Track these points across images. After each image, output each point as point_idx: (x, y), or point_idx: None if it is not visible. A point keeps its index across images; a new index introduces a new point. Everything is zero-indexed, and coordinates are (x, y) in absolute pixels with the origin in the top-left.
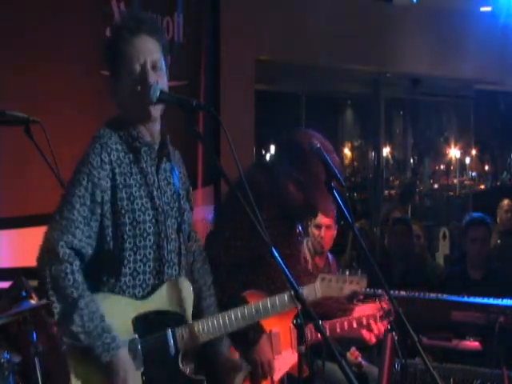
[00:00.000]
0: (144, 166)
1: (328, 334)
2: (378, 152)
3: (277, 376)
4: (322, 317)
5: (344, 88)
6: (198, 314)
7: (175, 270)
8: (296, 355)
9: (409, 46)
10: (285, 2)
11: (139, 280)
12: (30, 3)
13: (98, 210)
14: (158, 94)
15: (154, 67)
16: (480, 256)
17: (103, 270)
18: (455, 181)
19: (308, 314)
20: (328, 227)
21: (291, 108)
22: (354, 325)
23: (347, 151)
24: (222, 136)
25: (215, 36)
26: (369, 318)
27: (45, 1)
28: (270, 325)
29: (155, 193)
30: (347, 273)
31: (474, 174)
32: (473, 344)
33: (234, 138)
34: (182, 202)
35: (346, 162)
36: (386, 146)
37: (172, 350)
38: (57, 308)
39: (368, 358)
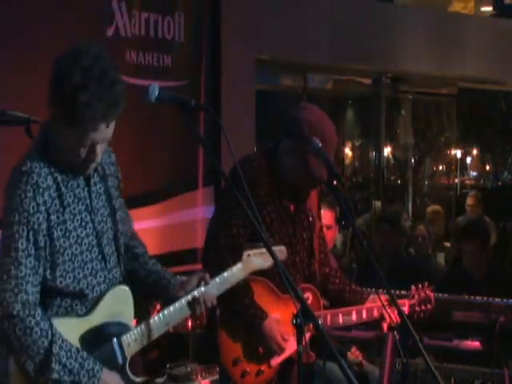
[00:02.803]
0: (76, 192)
1: (341, 321)
2: (379, 152)
3: (276, 361)
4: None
5: (345, 87)
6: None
7: (116, 282)
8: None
9: (409, 45)
10: (285, 2)
11: (81, 301)
12: (29, 3)
13: (43, 254)
14: (156, 93)
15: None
16: (474, 267)
17: (45, 297)
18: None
19: (307, 313)
20: (329, 227)
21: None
22: (364, 315)
23: (348, 151)
24: (222, 136)
25: (215, 36)
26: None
27: (45, 1)
28: (272, 312)
29: (89, 217)
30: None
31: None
32: (473, 344)
33: (235, 139)
34: (116, 212)
35: (347, 161)
36: (386, 146)
37: (119, 358)
38: (31, 365)
39: (369, 358)
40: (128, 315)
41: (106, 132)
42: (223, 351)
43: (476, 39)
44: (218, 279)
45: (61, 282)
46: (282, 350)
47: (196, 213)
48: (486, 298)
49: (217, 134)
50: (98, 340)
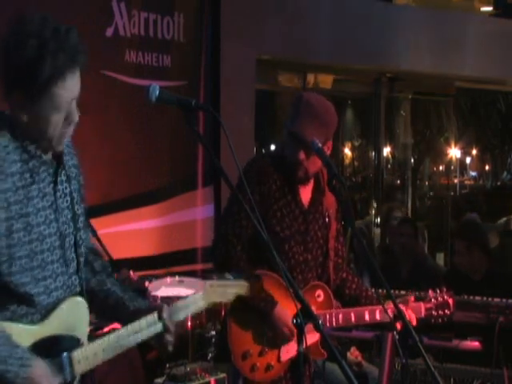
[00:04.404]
0: (41, 186)
1: (354, 319)
2: (379, 152)
3: (286, 356)
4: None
5: (344, 87)
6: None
7: (74, 289)
8: (315, 335)
9: (409, 45)
10: (285, 2)
11: (37, 306)
12: (30, 3)
13: None
14: (157, 93)
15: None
16: (463, 267)
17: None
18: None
19: (308, 313)
20: None
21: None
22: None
23: (347, 151)
24: (222, 136)
25: (215, 36)
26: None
27: (44, 1)
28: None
29: (53, 216)
30: (230, 277)
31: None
32: (473, 344)
33: (234, 138)
34: (78, 218)
35: (347, 161)
36: (386, 146)
37: (68, 375)
38: None
39: (368, 358)
40: (82, 330)
41: (75, 88)
42: (233, 345)
43: (476, 39)
44: (176, 306)
45: (17, 278)
46: (293, 335)
47: (196, 213)
48: (485, 298)
49: (217, 134)
50: (48, 352)
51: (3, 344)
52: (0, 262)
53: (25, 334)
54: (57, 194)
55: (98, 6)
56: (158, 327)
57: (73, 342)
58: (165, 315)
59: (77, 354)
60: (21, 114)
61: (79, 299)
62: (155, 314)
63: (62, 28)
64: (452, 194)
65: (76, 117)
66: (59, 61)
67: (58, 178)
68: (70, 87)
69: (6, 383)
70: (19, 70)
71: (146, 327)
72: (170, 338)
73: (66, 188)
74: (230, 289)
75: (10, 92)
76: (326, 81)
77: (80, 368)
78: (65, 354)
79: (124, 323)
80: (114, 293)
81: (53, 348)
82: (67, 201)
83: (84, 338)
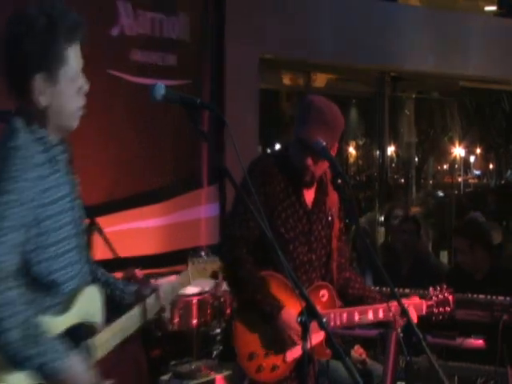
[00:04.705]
0: (60, 175)
1: (357, 319)
2: (383, 151)
3: (291, 356)
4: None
5: (347, 87)
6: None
7: (86, 278)
8: (320, 335)
9: (413, 44)
10: (288, 2)
11: (61, 296)
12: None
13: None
14: (162, 92)
15: None
16: (467, 265)
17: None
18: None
19: (312, 311)
20: None
21: (296, 107)
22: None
23: (352, 150)
24: (226, 135)
25: (220, 35)
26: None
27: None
28: (287, 307)
29: (69, 204)
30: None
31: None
32: (477, 342)
33: (239, 137)
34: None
35: (351, 160)
36: (390, 145)
37: (88, 361)
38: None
39: (373, 355)
40: (99, 318)
41: (80, 57)
42: (239, 346)
43: (480, 38)
44: (168, 285)
45: (46, 267)
46: (298, 337)
47: (200, 211)
48: (489, 297)
49: (221, 133)
50: (72, 341)
51: (44, 337)
52: (29, 251)
53: (52, 325)
54: (71, 184)
55: (103, 5)
56: (157, 306)
57: (91, 330)
58: (162, 295)
59: (95, 340)
60: (40, 99)
61: (95, 288)
62: (153, 295)
63: (58, 4)
64: (456, 192)
65: (86, 85)
66: (69, 34)
67: (70, 168)
68: (79, 56)
69: (41, 372)
70: (36, 53)
71: (147, 308)
72: (168, 315)
73: (74, 179)
74: (207, 266)
75: (29, 80)
76: (320, 80)
77: (99, 354)
78: (88, 341)
79: (123, 308)
80: (107, 281)
81: (75, 337)
82: (76, 191)
83: (100, 325)
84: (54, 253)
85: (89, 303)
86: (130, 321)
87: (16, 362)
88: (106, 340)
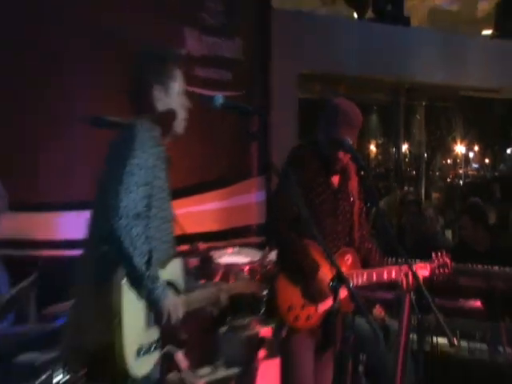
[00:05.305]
0: (161, 167)
1: (375, 278)
2: (398, 149)
3: (322, 308)
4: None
5: (370, 95)
6: None
7: (174, 251)
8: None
9: (423, 61)
10: (322, 27)
11: (162, 253)
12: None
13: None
14: (221, 101)
15: None
16: (469, 241)
17: None
18: (461, 171)
19: (341, 277)
20: None
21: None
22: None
23: (372, 147)
24: (271, 135)
25: (266, 55)
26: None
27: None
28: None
29: (166, 185)
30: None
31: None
32: (476, 303)
33: (282, 137)
34: None
35: (372, 156)
36: (404, 143)
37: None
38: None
39: (390, 314)
40: (181, 283)
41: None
42: (280, 301)
43: (478, 56)
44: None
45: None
46: (329, 295)
47: (251, 197)
48: (487, 267)
49: (267, 134)
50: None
51: (157, 270)
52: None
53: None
54: (167, 175)
55: (174, 32)
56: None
57: (176, 288)
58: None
59: (182, 298)
60: (157, 105)
61: (179, 260)
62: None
63: (169, 49)
64: (458, 182)
65: (188, 103)
66: (175, 61)
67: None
68: (181, 79)
69: (149, 297)
70: (159, 72)
71: (209, 295)
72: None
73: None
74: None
75: (150, 90)
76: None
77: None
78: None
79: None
80: None
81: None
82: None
83: (181, 288)
84: (158, 213)
85: (175, 269)
86: (195, 300)
87: (135, 282)
88: (188, 301)
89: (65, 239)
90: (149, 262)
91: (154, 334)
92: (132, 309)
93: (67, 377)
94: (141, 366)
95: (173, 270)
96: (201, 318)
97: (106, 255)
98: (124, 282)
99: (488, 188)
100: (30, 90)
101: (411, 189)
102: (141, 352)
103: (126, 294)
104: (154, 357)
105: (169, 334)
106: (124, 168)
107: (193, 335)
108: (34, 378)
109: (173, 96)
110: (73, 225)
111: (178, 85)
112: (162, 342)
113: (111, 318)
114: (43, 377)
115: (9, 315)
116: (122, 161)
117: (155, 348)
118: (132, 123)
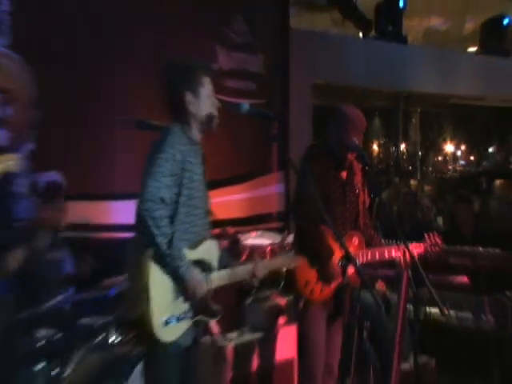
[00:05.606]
0: (196, 161)
1: (378, 257)
2: (398, 148)
3: (334, 284)
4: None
5: (373, 103)
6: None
7: (208, 235)
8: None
9: (419, 74)
10: (334, 45)
11: (192, 235)
12: (156, 50)
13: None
14: (247, 108)
15: None
16: (458, 223)
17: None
18: (450, 167)
19: (349, 257)
20: None
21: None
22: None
23: (375, 147)
24: (289, 137)
25: (285, 68)
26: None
27: (163, 46)
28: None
29: (200, 177)
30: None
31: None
32: (463, 279)
33: (298, 138)
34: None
35: (374, 154)
36: (402, 143)
37: (209, 285)
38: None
39: (390, 289)
40: (215, 261)
41: (210, 85)
42: (298, 276)
43: (465, 69)
44: (265, 264)
45: (181, 209)
46: (339, 275)
47: (271, 189)
48: (473, 248)
49: (285, 136)
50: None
51: (180, 250)
52: (175, 193)
53: (186, 254)
54: (203, 169)
55: (207, 49)
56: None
57: (209, 268)
58: (258, 270)
59: (211, 275)
60: (189, 108)
61: (214, 241)
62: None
63: (195, 59)
64: (448, 177)
65: (216, 101)
66: (203, 70)
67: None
68: (210, 83)
69: (175, 274)
70: (188, 80)
71: (244, 272)
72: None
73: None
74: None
75: (183, 95)
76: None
77: (213, 284)
78: (205, 274)
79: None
80: None
81: (198, 266)
82: (204, 176)
83: (215, 266)
84: (187, 201)
85: (209, 249)
86: (234, 274)
87: (160, 260)
88: (217, 279)
89: (116, 223)
90: (170, 243)
91: (183, 305)
92: (159, 285)
93: (119, 338)
94: (169, 333)
95: (206, 250)
96: (231, 291)
97: (139, 237)
98: (151, 261)
99: (473, 181)
100: (92, 101)
101: (413, 181)
102: (169, 322)
103: (153, 273)
104: (182, 326)
105: (201, 306)
106: (153, 161)
107: (224, 305)
108: (92, 338)
109: (203, 99)
110: (123, 212)
111: (206, 89)
112: (193, 312)
113: (141, 293)
114: (100, 337)
115: (71, 287)
116: (153, 156)
117: (184, 318)
118: (168, 126)
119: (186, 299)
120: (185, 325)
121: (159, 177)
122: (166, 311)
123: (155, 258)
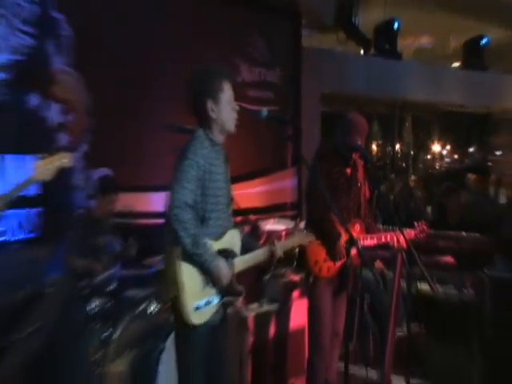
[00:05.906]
0: (219, 162)
1: (376, 241)
2: (393, 148)
3: (339, 262)
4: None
5: (373, 109)
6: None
7: (231, 224)
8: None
9: (412, 85)
10: (339, 59)
11: (217, 228)
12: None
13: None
14: (265, 113)
15: None
16: (446, 212)
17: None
18: (437, 164)
19: (352, 240)
20: None
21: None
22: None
23: (374, 147)
24: (301, 138)
25: (297, 79)
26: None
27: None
28: None
29: (223, 176)
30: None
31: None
32: (448, 259)
33: (308, 139)
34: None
35: (373, 153)
36: (397, 144)
37: (232, 271)
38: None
39: (387, 268)
40: (238, 248)
41: (231, 90)
42: (309, 255)
43: (450, 82)
44: (280, 244)
45: (205, 208)
46: (344, 256)
47: (286, 183)
48: (458, 233)
49: (298, 137)
50: (222, 257)
51: (205, 246)
52: (199, 195)
53: (211, 245)
54: (227, 167)
55: (230, 64)
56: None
57: (233, 254)
58: (276, 250)
59: (234, 261)
60: (211, 114)
61: (237, 230)
62: (269, 248)
63: (214, 67)
64: (436, 172)
65: (236, 106)
66: (224, 77)
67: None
68: (230, 89)
69: (202, 267)
70: (209, 88)
71: (263, 254)
72: (273, 261)
73: (227, 168)
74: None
75: (205, 103)
76: (356, 105)
77: (236, 269)
78: (230, 260)
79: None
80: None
81: (223, 254)
82: (227, 174)
83: (237, 252)
84: (211, 199)
85: (232, 238)
86: (255, 257)
87: (188, 257)
88: (240, 262)
89: (155, 211)
90: (196, 241)
91: (212, 290)
92: (189, 276)
93: (158, 308)
94: (199, 317)
95: (229, 240)
96: (252, 269)
97: (169, 235)
98: (180, 256)
99: (457, 176)
100: (136, 110)
101: (412, 177)
102: (199, 307)
103: (183, 266)
104: (211, 308)
105: (227, 289)
106: (179, 167)
107: (246, 281)
108: (135, 308)
109: (223, 104)
110: (160, 201)
111: (226, 94)
112: (220, 295)
113: (173, 282)
114: (141, 307)
115: (117, 264)
116: (179, 161)
117: (212, 301)
118: (194, 130)
119: (214, 285)
120: (213, 308)
121: (184, 183)
122: (196, 298)
123: (183, 254)
